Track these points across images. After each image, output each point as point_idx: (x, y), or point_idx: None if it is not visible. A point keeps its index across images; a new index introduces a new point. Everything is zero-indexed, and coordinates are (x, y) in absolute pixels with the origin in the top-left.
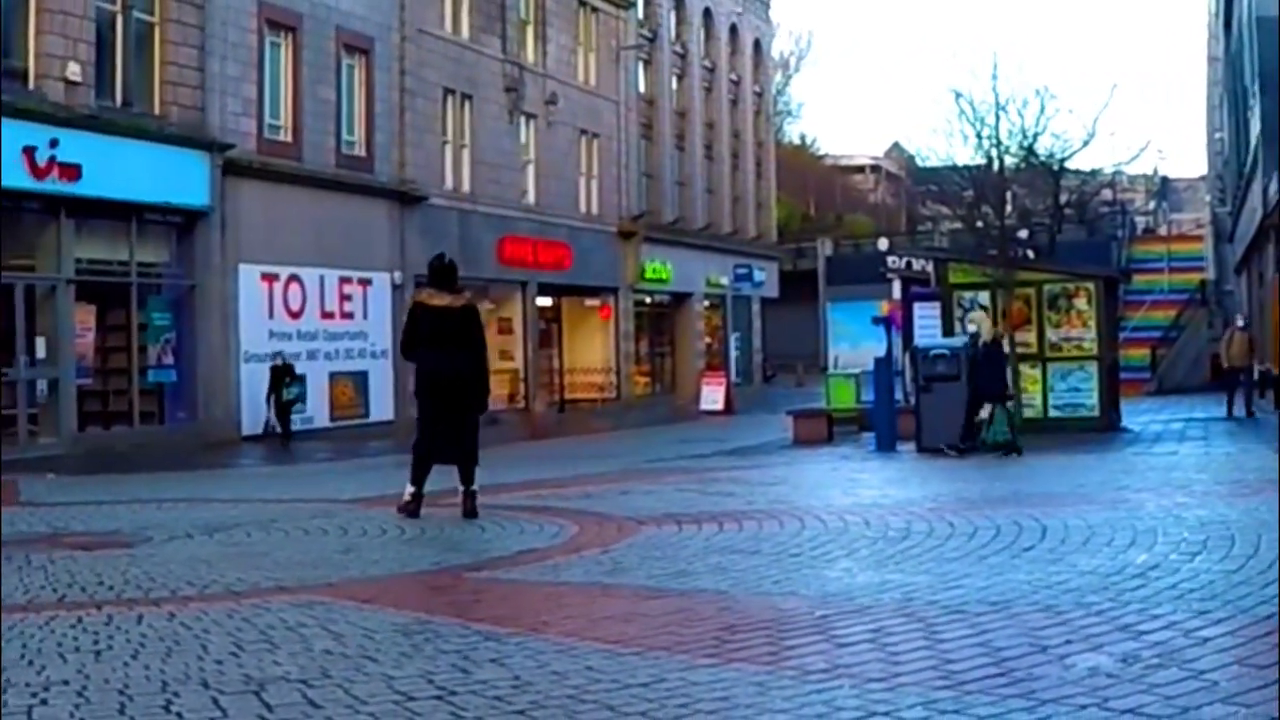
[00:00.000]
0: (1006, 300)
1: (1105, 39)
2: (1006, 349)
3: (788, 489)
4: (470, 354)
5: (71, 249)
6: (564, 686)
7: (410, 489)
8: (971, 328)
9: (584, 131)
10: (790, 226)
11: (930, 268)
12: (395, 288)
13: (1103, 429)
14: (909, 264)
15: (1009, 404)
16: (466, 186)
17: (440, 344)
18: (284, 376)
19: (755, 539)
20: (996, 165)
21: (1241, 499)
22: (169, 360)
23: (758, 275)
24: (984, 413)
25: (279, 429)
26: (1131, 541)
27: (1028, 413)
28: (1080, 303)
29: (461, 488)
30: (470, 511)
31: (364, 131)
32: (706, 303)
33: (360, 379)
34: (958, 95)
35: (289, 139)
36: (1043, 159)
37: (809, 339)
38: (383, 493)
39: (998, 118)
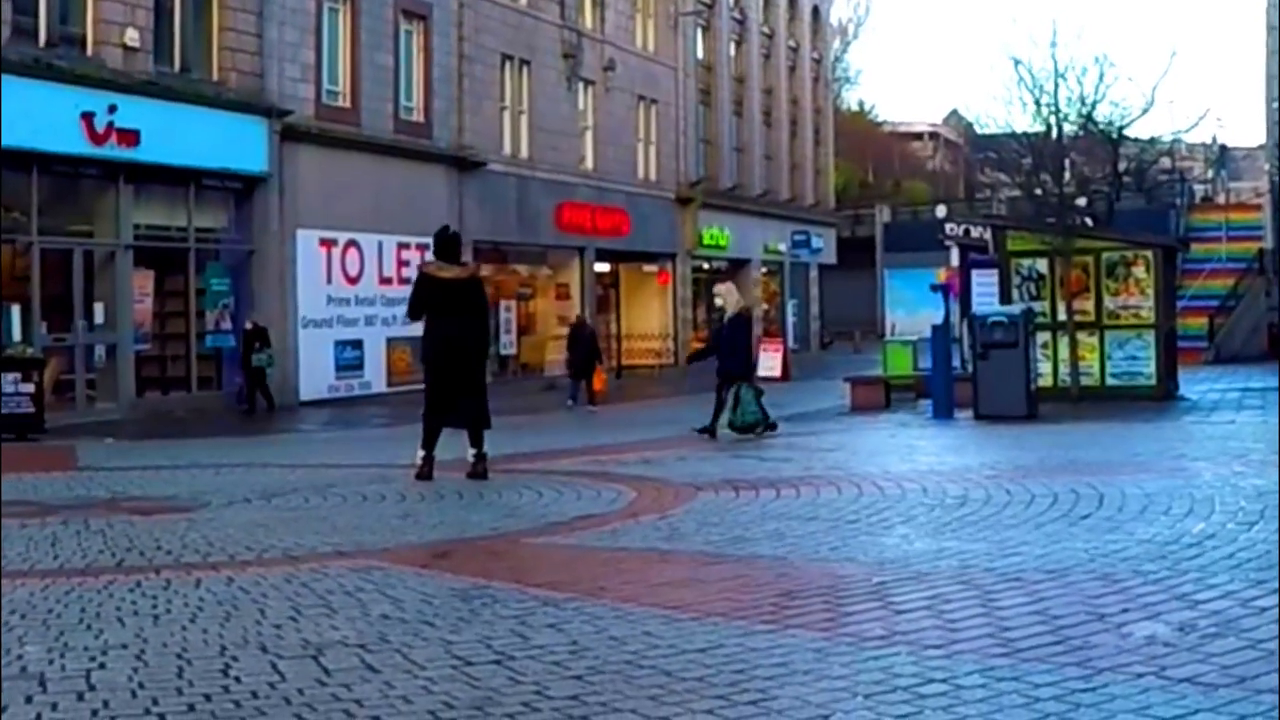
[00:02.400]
0: (1065, 268)
1: (1164, 6)
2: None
3: (845, 455)
4: (476, 323)
5: (130, 214)
6: (622, 651)
7: (420, 453)
8: (718, 300)
9: (642, 98)
10: (848, 193)
11: (988, 235)
12: None
13: (1160, 397)
14: (967, 231)
15: (750, 382)
16: (525, 152)
17: (447, 314)
18: (254, 341)
19: (812, 505)
20: (1055, 133)
21: None
22: (226, 326)
23: (815, 242)
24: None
25: (248, 398)
26: (1189, 510)
27: (1085, 381)
28: (1138, 271)
29: (471, 451)
30: (478, 474)
31: (422, 97)
32: (764, 269)
33: (417, 345)
34: (1016, 62)
35: (347, 105)
36: (1101, 127)
37: (866, 306)
38: (440, 458)
39: (1057, 85)
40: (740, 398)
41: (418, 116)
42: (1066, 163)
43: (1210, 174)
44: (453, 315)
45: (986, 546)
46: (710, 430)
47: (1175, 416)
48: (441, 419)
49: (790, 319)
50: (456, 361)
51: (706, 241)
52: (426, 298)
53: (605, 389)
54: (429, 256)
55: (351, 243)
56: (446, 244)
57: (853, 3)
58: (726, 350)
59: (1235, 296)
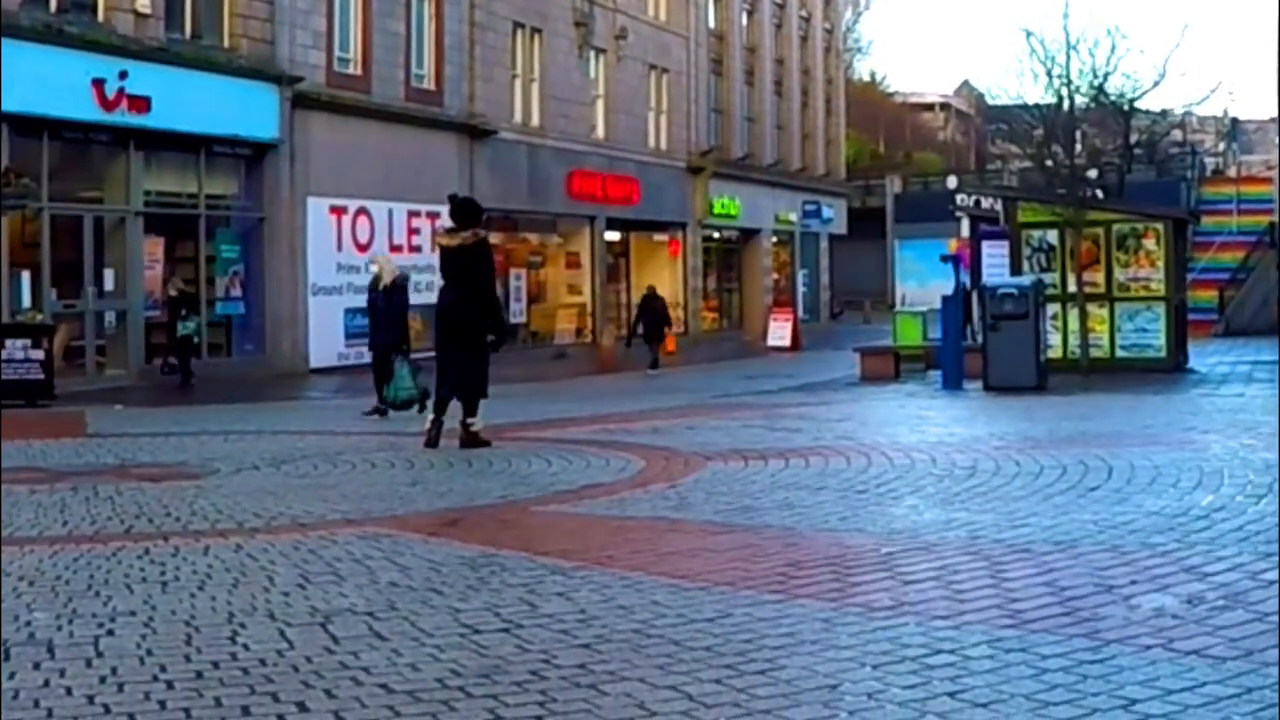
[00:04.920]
0: (1075, 240)
1: None
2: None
3: (854, 425)
4: (472, 292)
5: (140, 181)
6: (630, 620)
7: (430, 417)
8: (373, 269)
9: (654, 66)
10: (859, 163)
11: (999, 206)
12: None
13: (1169, 370)
14: (978, 202)
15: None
16: (536, 121)
17: (447, 282)
18: (180, 308)
19: (821, 475)
20: (1067, 104)
21: None
22: (237, 293)
23: (826, 212)
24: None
25: (174, 368)
26: (1197, 483)
27: (1095, 353)
28: (1149, 243)
29: (462, 419)
30: (468, 442)
31: (434, 65)
32: (775, 239)
33: (428, 312)
34: (1028, 34)
35: (359, 72)
36: (1113, 99)
37: (877, 276)
38: (450, 425)
39: (1068, 57)
40: (395, 373)
41: (429, 84)
42: (1078, 134)
43: (1221, 146)
44: (450, 284)
45: (995, 518)
46: (381, 409)
47: (1184, 389)
48: (444, 389)
49: (800, 289)
50: (450, 330)
51: (717, 211)
52: (441, 267)
53: (674, 352)
54: (442, 223)
55: (362, 210)
56: (456, 209)
57: None
58: (382, 322)
59: (1246, 269)
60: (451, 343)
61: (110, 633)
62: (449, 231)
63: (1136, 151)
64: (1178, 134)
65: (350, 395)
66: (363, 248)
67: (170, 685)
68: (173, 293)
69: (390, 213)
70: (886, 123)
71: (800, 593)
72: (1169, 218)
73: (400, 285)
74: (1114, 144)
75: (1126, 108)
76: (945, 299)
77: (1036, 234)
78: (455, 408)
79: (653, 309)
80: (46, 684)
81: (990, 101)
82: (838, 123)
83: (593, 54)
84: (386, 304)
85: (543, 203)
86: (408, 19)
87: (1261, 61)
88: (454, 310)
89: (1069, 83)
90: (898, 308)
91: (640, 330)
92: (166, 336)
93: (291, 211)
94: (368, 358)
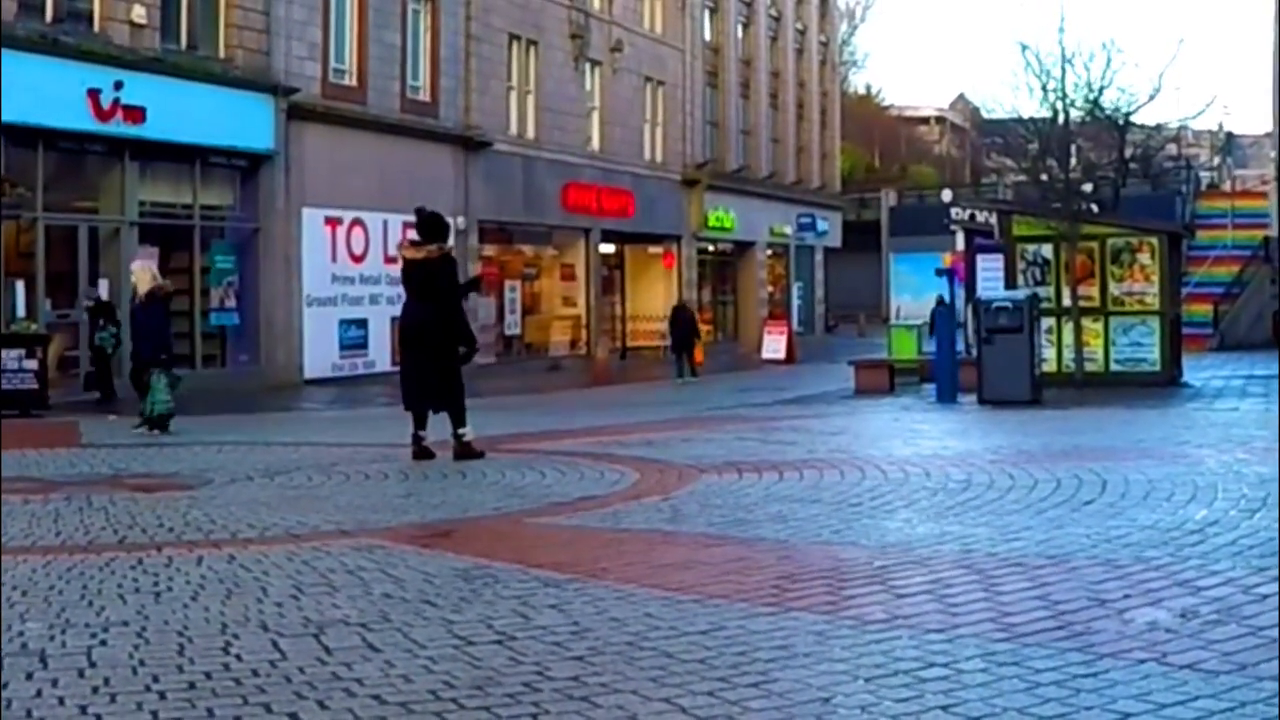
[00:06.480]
0: (1070, 253)
1: None
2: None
3: (848, 439)
4: (436, 306)
5: (135, 191)
6: (623, 633)
7: (410, 432)
8: (131, 280)
9: (649, 79)
10: (854, 177)
11: (994, 220)
12: (459, 233)
13: (1164, 384)
14: (973, 216)
15: (169, 370)
16: (531, 133)
17: (412, 296)
18: (98, 318)
19: (815, 488)
20: (1062, 118)
21: None
22: (231, 304)
23: (821, 225)
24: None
25: (98, 382)
26: (1191, 497)
27: (1089, 367)
28: (1144, 257)
29: (453, 432)
30: (462, 454)
31: (429, 77)
32: (770, 252)
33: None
34: (1024, 48)
35: (354, 83)
36: (1108, 113)
37: (871, 289)
38: (444, 437)
39: (1064, 71)
40: (151, 386)
41: (425, 96)
42: (1073, 148)
43: (1216, 161)
44: (416, 298)
45: (989, 531)
46: (148, 423)
47: (1179, 403)
48: (414, 402)
49: (795, 302)
50: (417, 345)
51: (712, 224)
52: (404, 279)
53: (703, 361)
54: (411, 236)
55: (357, 221)
56: (422, 224)
57: None
58: (139, 334)
59: (1240, 283)
60: (418, 357)
61: (103, 643)
62: (414, 244)
63: (1131, 165)
64: (1173, 148)
65: (346, 406)
66: (357, 259)
67: (163, 696)
68: (88, 302)
69: (385, 224)
70: (882, 136)
71: (794, 605)
72: (1164, 232)
73: (159, 296)
74: (1109, 158)
75: (1121, 122)
76: (938, 312)
77: (1031, 248)
78: (438, 422)
79: (682, 321)
80: (39, 694)
81: (985, 115)
82: (833, 136)
83: (588, 66)
84: (145, 316)
85: (538, 214)
86: (403, 30)
87: (1257, 76)
88: (419, 324)
89: (1064, 97)
90: (892, 321)
91: (669, 342)
92: (89, 348)
93: (286, 222)
94: (362, 369)
